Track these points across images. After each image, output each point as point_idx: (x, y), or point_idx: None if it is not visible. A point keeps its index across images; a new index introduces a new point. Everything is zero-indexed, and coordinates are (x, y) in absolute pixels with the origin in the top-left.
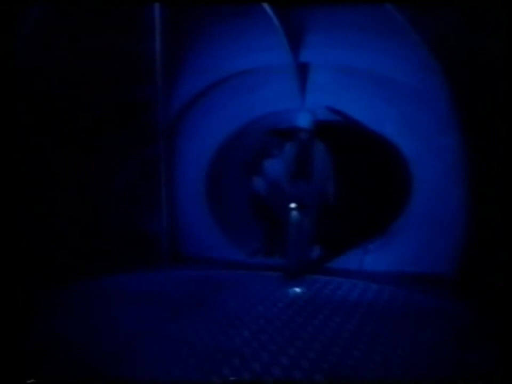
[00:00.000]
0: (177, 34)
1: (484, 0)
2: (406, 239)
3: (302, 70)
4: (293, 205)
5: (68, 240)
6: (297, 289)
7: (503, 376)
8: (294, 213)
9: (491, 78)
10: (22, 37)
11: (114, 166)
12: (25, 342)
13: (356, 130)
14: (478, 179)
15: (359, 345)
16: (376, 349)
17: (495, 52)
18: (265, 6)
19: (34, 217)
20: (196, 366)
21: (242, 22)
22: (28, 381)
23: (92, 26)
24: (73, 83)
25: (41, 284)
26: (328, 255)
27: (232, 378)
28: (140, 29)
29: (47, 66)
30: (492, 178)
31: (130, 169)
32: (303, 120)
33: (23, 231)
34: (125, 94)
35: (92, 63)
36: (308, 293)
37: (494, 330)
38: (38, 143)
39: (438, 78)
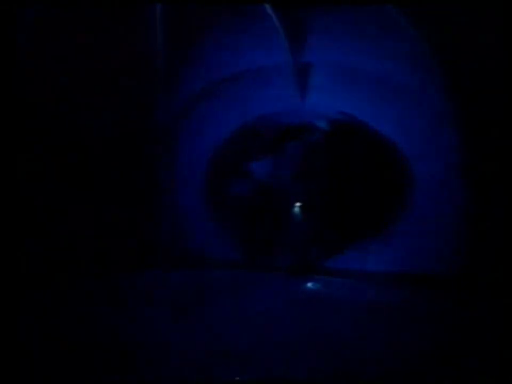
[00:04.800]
0: (178, 33)
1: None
2: (406, 238)
3: (302, 71)
4: (297, 204)
5: (69, 240)
6: (299, 288)
7: (503, 376)
8: (298, 211)
9: (490, 77)
10: (22, 37)
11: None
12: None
13: (356, 130)
14: (477, 178)
15: (358, 344)
16: (375, 348)
17: (494, 51)
18: (266, 6)
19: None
20: (197, 366)
21: (243, 22)
22: None
23: (93, 26)
24: (74, 83)
25: (39, 283)
26: (329, 255)
27: (237, 378)
28: (141, 28)
29: (46, 66)
30: (492, 178)
31: (131, 168)
32: (310, 120)
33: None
34: (125, 93)
35: (92, 63)
36: (309, 292)
37: (493, 329)
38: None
39: (437, 78)
